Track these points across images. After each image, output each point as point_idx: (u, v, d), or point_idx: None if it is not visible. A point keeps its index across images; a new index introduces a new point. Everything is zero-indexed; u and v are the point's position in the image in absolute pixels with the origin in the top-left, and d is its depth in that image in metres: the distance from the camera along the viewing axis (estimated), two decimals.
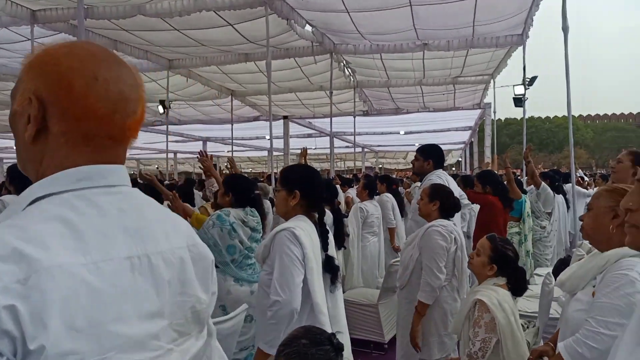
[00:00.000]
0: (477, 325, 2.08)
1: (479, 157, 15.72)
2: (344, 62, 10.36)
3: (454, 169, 28.17)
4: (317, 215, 2.14)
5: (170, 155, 17.57)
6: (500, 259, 2.25)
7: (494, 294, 2.12)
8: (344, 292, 4.58)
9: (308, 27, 7.36)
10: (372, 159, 26.69)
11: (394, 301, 4.10)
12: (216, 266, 2.88)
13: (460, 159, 26.31)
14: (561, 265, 3.64)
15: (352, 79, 11.28)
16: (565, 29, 5.84)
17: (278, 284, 1.91)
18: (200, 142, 16.82)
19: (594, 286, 1.85)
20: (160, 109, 10.36)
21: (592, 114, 76.55)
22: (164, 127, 11.39)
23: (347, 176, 12.29)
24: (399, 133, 16.44)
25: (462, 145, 21.44)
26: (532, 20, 7.36)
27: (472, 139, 17.82)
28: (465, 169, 20.49)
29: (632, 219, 0.89)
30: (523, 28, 7.68)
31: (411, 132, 16.05)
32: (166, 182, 7.98)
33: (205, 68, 9.37)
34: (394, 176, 12.63)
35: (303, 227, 2.00)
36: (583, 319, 1.78)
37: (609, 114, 75.73)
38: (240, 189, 3.13)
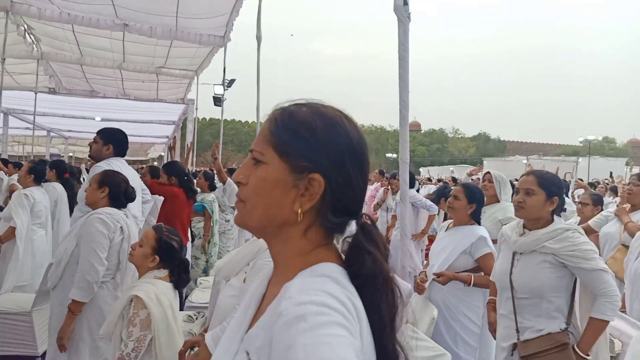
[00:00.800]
0: (132, 324, 1.88)
1: (181, 152, 15.78)
2: (25, 26, 8.69)
3: (155, 163, 27.55)
4: None
5: None
6: (165, 249, 2.12)
7: (153, 287, 1.98)
8: None
9: None
10: (60, 145, 23.40)
11: None
12: None
13: (163, 154, 25.90)
14: None
15: (35, 48, 9.57)
16: (258, 38, 6.36)
17: None
18: None
19: (246, 272, 1.92)
20: None
21: None
22: None
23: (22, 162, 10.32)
24: (94, 119, 14.88)
25: (165, 140, 21.07)
26: (233, 25, 7.76)
27: (176, 134, 17.71)
28: None
29: (240, 193, 0.77)
30: (225, 31, 8.02)
31: (109, 120, 14.72)
32: None
33: None
34: (84, 166, 11.23)
35: None
36: (233, 305, 1.82)
37: None
38: None
